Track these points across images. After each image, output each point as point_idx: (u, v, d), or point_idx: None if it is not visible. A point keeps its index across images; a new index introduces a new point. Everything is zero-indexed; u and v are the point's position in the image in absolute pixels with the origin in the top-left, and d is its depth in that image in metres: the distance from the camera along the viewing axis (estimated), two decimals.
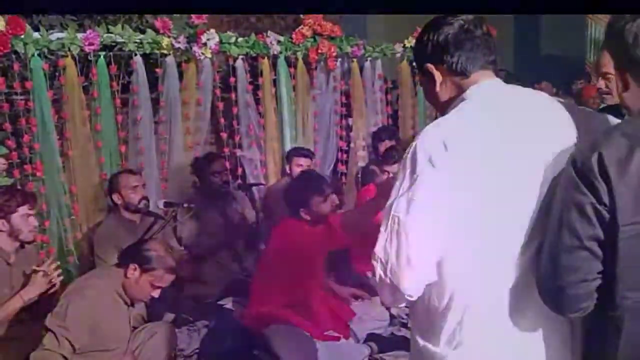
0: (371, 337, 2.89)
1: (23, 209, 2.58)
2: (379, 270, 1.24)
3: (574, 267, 1.13)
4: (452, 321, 1.24)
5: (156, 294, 2.51)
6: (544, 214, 1.21)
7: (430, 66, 1.33)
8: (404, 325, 2.98)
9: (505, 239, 1.22)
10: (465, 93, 1.29)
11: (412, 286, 1.21)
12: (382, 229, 1.24)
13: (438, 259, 1.22)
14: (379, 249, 1.24)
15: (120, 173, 3.30)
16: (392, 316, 3.06)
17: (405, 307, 1.81)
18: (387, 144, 4.34)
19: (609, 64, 2.30)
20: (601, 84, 2.35)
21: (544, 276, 1.18)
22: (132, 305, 2.56)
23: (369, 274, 3.35)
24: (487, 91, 1.29)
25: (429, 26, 1.33)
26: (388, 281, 1.22)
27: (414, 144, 1.23)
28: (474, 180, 1.18)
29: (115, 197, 3.21)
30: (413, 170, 1.20)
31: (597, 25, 5.11)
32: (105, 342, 2.44)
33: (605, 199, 1.08)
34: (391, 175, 3.31)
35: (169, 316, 3.12)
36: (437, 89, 1.33)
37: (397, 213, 1.21)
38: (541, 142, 1.25)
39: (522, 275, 1.23)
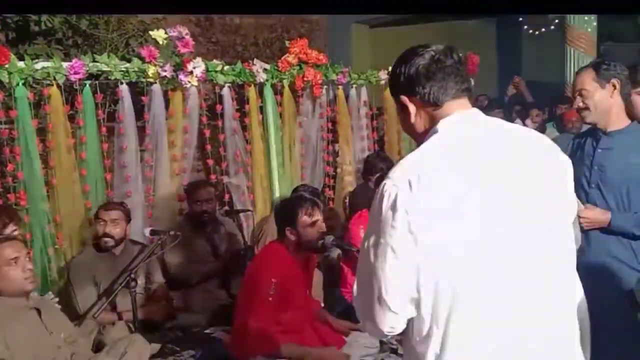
0: None
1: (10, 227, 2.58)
2: (357, 308, 1.28)
3: None
4: (431, 352, 1.22)
5: (20, 268, 2.41)
6: None
7: (404, 98, 1.33)
8: (394, 351, 2.95)
9: (492, 271, 1.20)
10: (437, 125, 1.29)
11: (386, 323, 1.23)
12: (357, 267, 1.27)
13: (414, 296, 1.21)
14: (354, 288, 1.28)
15: (101, 208, 3.23)
16: (381, 342, 3.02)
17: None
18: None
19: (586, 81, 2.36)
20: (578, 100, 2.39)
21: None
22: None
23: None
24: (458, 123, 1.28)
25: (401, 58, 1.35)
26: (365, 319, 1.26)
27: (382, 184, 1.24)
28: (444, 216, 1.17)
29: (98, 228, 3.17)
30: (380, 212, 1.21)
31: (577, 51, 5.23)
32: None
33: None
34: None
35: (155, 347, 3.06)
36: (412, 120, 1.33)
37: (368, 254, 1.22)
38: (520, 174, 1.24)
39: (523, 306, 1.22)
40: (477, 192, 1.19)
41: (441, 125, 1.29)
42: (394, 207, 1.18)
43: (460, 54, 1.34)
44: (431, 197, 1.17)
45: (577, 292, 1.32)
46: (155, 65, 3.49)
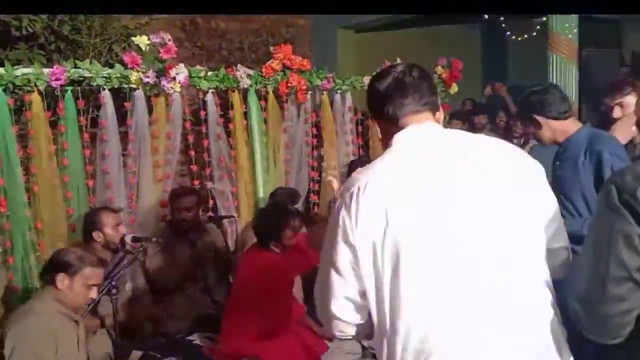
0: None
1: None
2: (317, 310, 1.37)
3: (621, 297, 1.15)
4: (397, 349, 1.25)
5: (94, 294, 2.52)
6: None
7: (373, 118, 1.45)
8: (375, 356, 2.96)
9: (442, 275, 1.23)
10: (392, 140, 1.35)
11: (335, 328, 1.33)
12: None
13: (359, 303, 1.27)
14: (315, 291, 1.36)
15: (102, 210, 3.24)
16: (364, 348, 3.04)
17: None
18: None
19: None
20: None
21: (587, 305, 1.20)
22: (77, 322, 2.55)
23: None
24: (409, 134, 1.34)
25: (370, 82, 1.44)
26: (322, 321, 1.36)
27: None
28: (385, 221, 1.22)
29: (95, 234, 3.13)
30: (333, 219, 1.29)
31: (558, 56, 5.29)
32: None
33: None
34: None
35: (137, 354, 3.05)
36: (381, 137, 1.42)
37: (321, 259, 1.31)
38: (470, 178, 1.27)
39: (477, 305, 1.23)
40: (421, 197, 1.23)
41: (395, 139, 1.34)
42: (337, 215, 1.26)
43: (424, 68, 1.40)
44: (371, 206, 1.23)
45: (543, 295, 1.31)
46: (137, 72, 3.49)
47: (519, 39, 7.47)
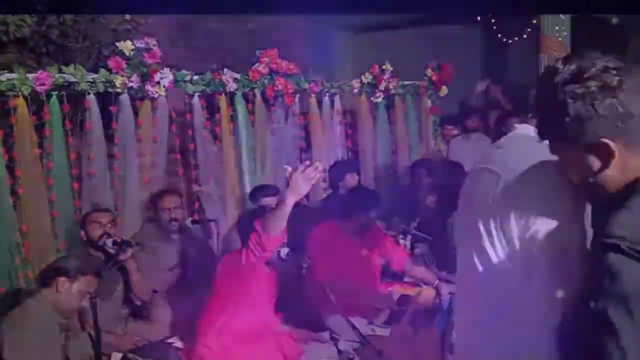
0: None
1: None
2: None
3: None
4: None
5: (86, 301, 2.63)
6: None
7: None
8: None
9: None
10: None
11: None
12: None
13: None
14: None
15: (91, 211, 3.36)
16: (339, 352, 3.07)
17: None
18: (349, 178, 4.42)
19: None
20: None
21: None
22: (68, 330, 2.66)
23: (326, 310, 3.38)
24: None
25: None
26: None
27: None
28: None
29: (82, 233, 3.28)
30: None
31: (550, 57, 5.27)
32: None
33: None
34: None
35: (117, 356, 3.10)
36: None
37: None
38: None
39: None
40: None
41: None
42: None
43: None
44: None
45: None
46: (122, 76, 3.53)
47: (509, 40, 7.44)
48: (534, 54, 5.62)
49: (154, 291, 3.43)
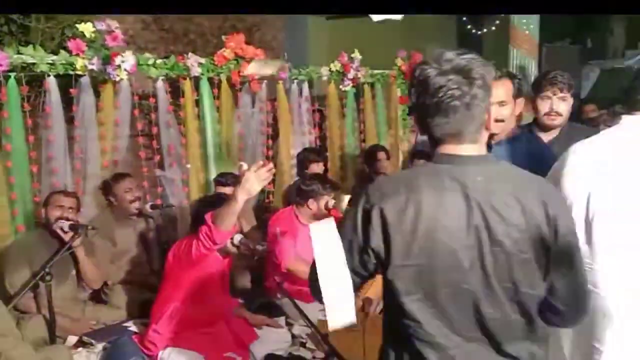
0: (269, 358, 2.93)
1: None
2: None
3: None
4: None
5: None
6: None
7: None
8: (303, 345, 3.04)
9: None
10: None
11: None
12: None
13: None
14: None
15: (53, 192, 3.32)
16: (293, 336, 3.11)
17: None
18: (314, 166, 4.43)
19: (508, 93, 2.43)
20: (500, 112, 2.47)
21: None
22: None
23: (279, 295, 3.43)
24: None
25: None
26: None
27: None
28: None
29: (42, 212, 3.26)
30: None
31: (518, 51, 5.34)
32: None
33: None
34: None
35: (72, 339, 3.11)
36: None
37: None
38: None
39: None
40: None
41: None
42: None
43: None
44: None
45: None
46: (83, 58, 3.49)
47: (479, 32, 7.49)
48: (505, 46, 5.68)
49: (105, 283, 3.42)
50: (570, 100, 2.70)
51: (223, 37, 4.19)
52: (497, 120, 2.39)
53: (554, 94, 2.65)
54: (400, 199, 1.28)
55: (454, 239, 1.26)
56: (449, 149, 1.30)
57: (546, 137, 2.72)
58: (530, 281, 1.28)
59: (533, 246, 1.26)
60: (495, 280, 1.26)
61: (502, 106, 2.37)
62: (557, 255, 1.28)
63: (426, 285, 1.28)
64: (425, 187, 1.28)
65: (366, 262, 1.34)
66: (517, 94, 2.41)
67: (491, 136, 2.42)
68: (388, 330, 1.40)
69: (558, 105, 2.66)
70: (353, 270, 1.34)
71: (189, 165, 4.13)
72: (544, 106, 2.68)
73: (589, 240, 1.57)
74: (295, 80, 4.74)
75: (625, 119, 1.65)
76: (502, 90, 2.35)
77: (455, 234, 1.25)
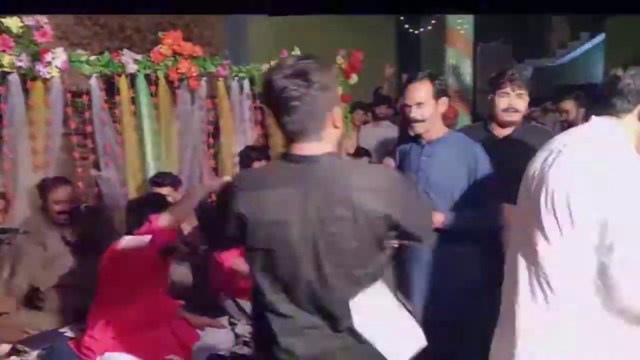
0: (212, 358, 2.91)
1: None
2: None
3: None
4: None
5: None
6: None
7: None
8: (246, 343, 3.03)
9: None
10: None
11: None
12: None
13: None
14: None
15: None
16: (236, 335, 3.10)
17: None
18: (257, 163, 4.40)
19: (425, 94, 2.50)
20: (415, 111, 2.53)
21: None
22: None
23: (223, 295, 3.40)
24: None
25: None
26: None
27: None
28: None
29: None
30: None
31: (453, 49, 5.49)
32: None
33: None
34: None
35: (5, 347, 2.98)
36: None
37: None
38: None
39: None
40: None
41: None
42: None
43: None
44: None
45: None
46: (10, 55, 3.34)
47: (416, 32, 7.67)
48: (441, 45, 5.83)
49: (36, 289, 3.28)
50: (527, 98, 2.79)
51: (159, 34, 4.10)
52: (416, 121, 2.50)
53: (513, 91, 2.72)
54: (251, 192, 1.49)
55: (291, 231, 1.45)
56: (295, 147, 1.49)
57: (501, 132, 2.78)
58: (362, 264, 1.48)
59: (365, 235, 1.45)
60: (327, 267, 1.45)
61: (419, 107, 2.46)
62: (404, 231, 1.52)
63: (271, 269, 1.50)
64: (271, 183, 1.48)
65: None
66: (439, 94, 2.49)
67: (420, 135, 2.52)
68: (253, 305, 1.66)
69: (516, 102, 2.74)
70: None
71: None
72: (502, 103, 2.75)
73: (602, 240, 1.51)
74: (236, 78, 4.69)
75: (595, 120, 1.65)
76: (420, 91, 2.45)
77: (293, 225, 1.44)
